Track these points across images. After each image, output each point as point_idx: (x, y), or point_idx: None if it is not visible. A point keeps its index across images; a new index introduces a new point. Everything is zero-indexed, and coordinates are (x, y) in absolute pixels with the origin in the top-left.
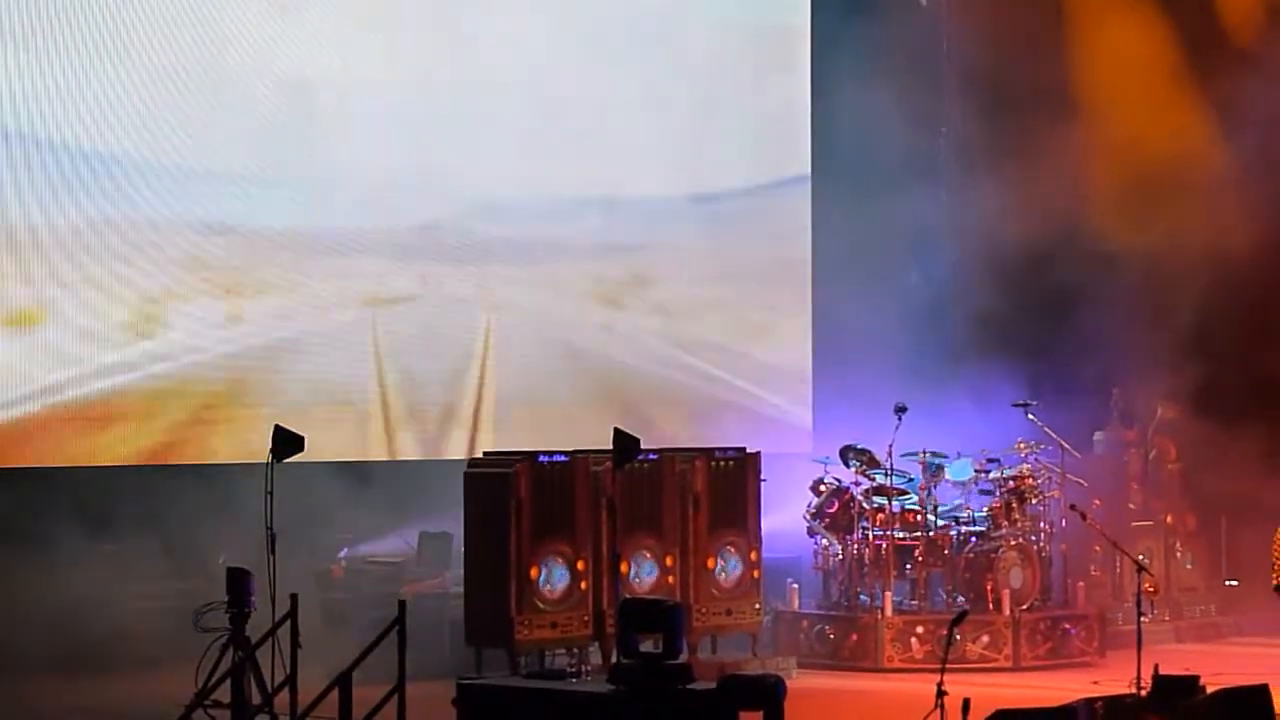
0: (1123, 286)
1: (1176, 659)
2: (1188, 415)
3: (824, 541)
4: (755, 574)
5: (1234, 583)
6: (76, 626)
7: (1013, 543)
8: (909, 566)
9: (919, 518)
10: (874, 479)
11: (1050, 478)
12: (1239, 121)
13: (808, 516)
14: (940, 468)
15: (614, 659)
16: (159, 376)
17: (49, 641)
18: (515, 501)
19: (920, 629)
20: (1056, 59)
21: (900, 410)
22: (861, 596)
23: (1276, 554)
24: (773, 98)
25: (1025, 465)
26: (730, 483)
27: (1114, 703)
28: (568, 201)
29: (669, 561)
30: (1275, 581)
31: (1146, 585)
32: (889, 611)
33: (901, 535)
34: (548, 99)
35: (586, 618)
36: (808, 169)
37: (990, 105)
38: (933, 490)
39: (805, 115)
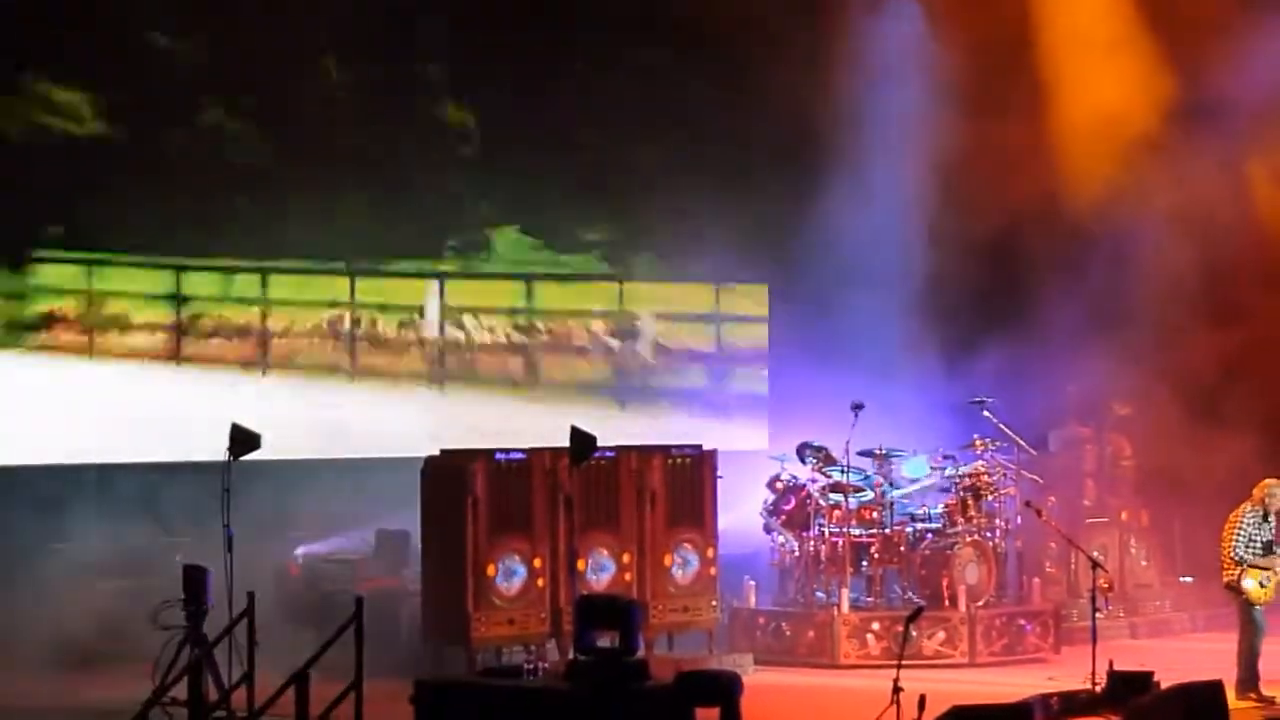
0: (1081, 281)
1: (1131, 655)
2: (1144, 412)
3: (780, 538)
4: (712, 571)
5: (1188, 579)
6: (34, 624)
7: (968, 539)
8: (865, 563)
9: (875, 514)
10: (830, 476)
11: (1006, 474)
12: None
13: (764, 513)
14: (896, 464)
15: (571, 656)
16: None
17: (6, 639)
18: (472, 499)
19: (876, 625)
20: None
21: (857, 407)
22: (818, 593)
23: (1226, 551)
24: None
25: (981, 462)
26: (687, 480)
27: (1069, 698)
28: None
29: (626, 559)
30: (1226, 579)
31: (1101, 581)
32: (845, 608)
33: (858, 532)
34: None
35: (543, 615)
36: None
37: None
38: (889, 487)
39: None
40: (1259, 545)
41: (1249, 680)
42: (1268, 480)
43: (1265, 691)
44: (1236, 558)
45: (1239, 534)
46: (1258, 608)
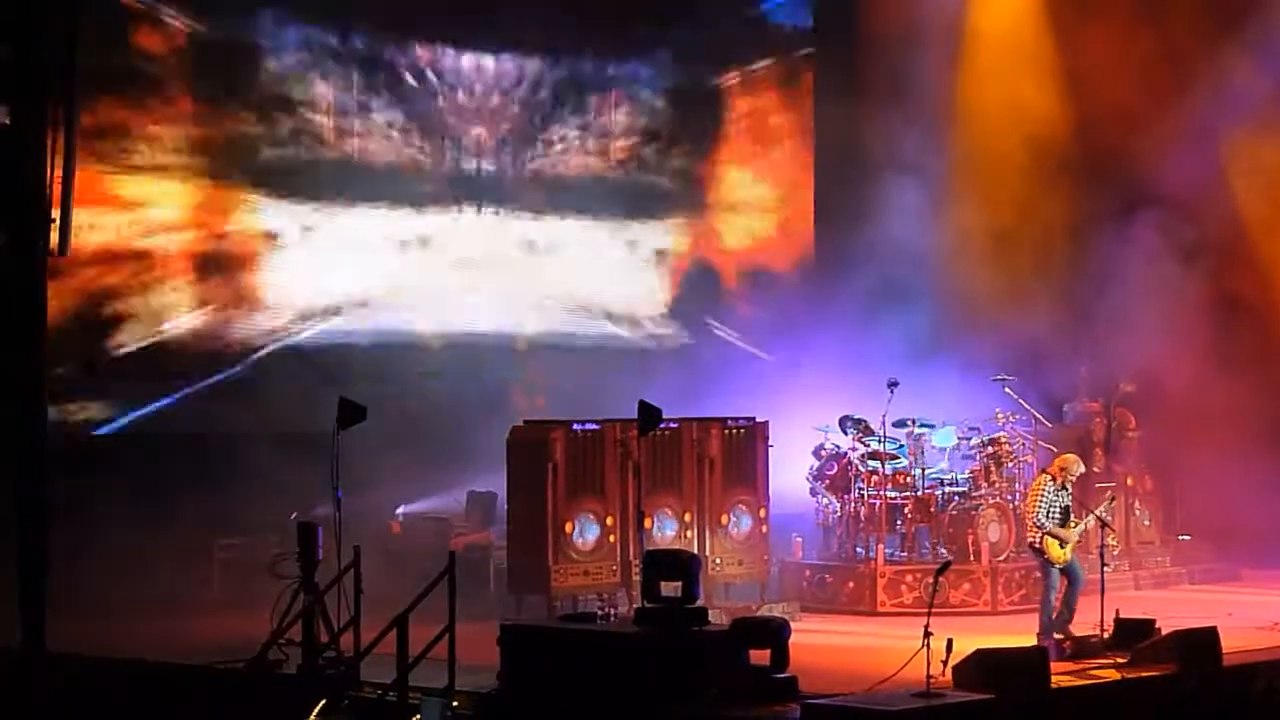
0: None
1: (1135, 604)
2: (1147, 390)
3: (824, 500)
4: (763, 529)
5: (1186, 537)
6: (169, 573)
7: (991, 501)
8: (899, 522)
9: (908, 479)
10: (869, 445)
11: (1024, 444)
12: None
13: (810, 478)
14: (927, 435)
15: (639, 604)
16: None
17: (146, 586)
18: (552, 465)
19: (909, 577)
20: None
21: (893, 384)
22: (857, 549)
23: (1029, 517)
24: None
25: (1002, 433)
26: (741, 448)
27: (1081, 642)
28: None
29: (687, 518)
30: (1029, 540)
31: (1109, 539)
32: (881, 562)
33: (893, 495)
34: None
35: (615, 567)
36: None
37: None
38: (921, 455)
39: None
40: (1058, 512)
41: (1048, 626)
42: (1066, 455)
43: (1075, 632)
44: (1039, 524)
45: (1041, 502)
46: (1056, 566)
